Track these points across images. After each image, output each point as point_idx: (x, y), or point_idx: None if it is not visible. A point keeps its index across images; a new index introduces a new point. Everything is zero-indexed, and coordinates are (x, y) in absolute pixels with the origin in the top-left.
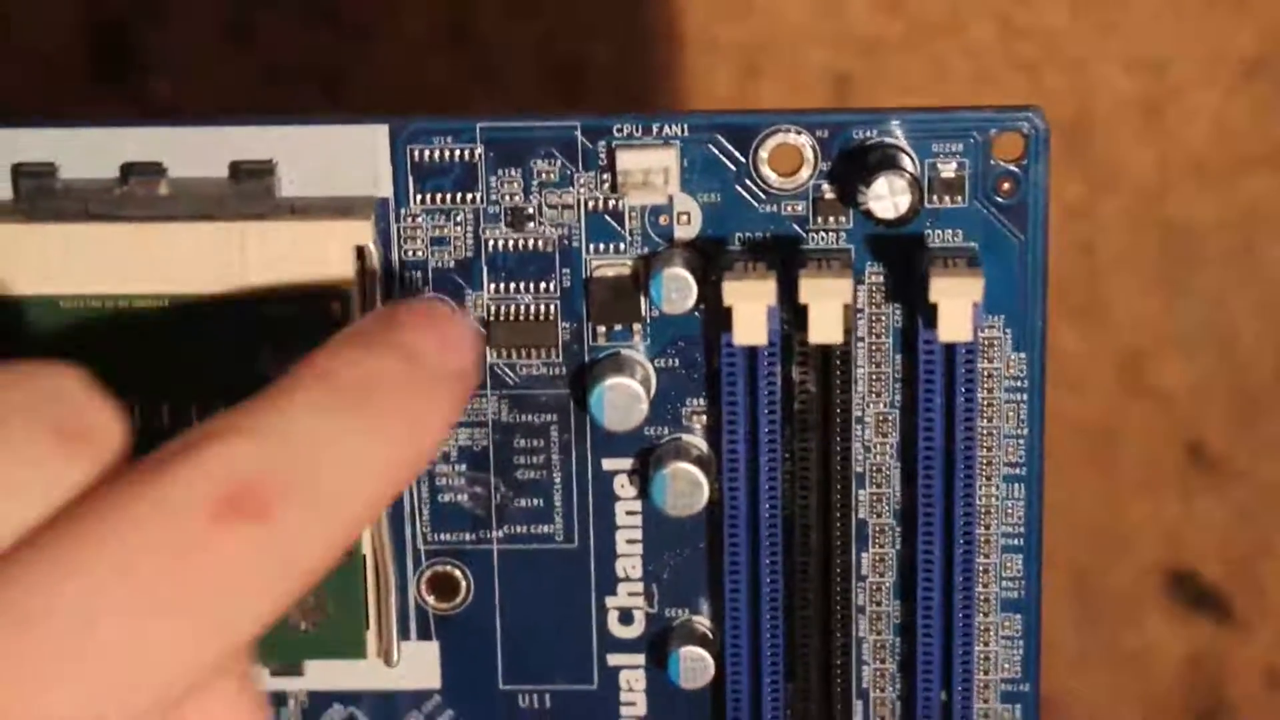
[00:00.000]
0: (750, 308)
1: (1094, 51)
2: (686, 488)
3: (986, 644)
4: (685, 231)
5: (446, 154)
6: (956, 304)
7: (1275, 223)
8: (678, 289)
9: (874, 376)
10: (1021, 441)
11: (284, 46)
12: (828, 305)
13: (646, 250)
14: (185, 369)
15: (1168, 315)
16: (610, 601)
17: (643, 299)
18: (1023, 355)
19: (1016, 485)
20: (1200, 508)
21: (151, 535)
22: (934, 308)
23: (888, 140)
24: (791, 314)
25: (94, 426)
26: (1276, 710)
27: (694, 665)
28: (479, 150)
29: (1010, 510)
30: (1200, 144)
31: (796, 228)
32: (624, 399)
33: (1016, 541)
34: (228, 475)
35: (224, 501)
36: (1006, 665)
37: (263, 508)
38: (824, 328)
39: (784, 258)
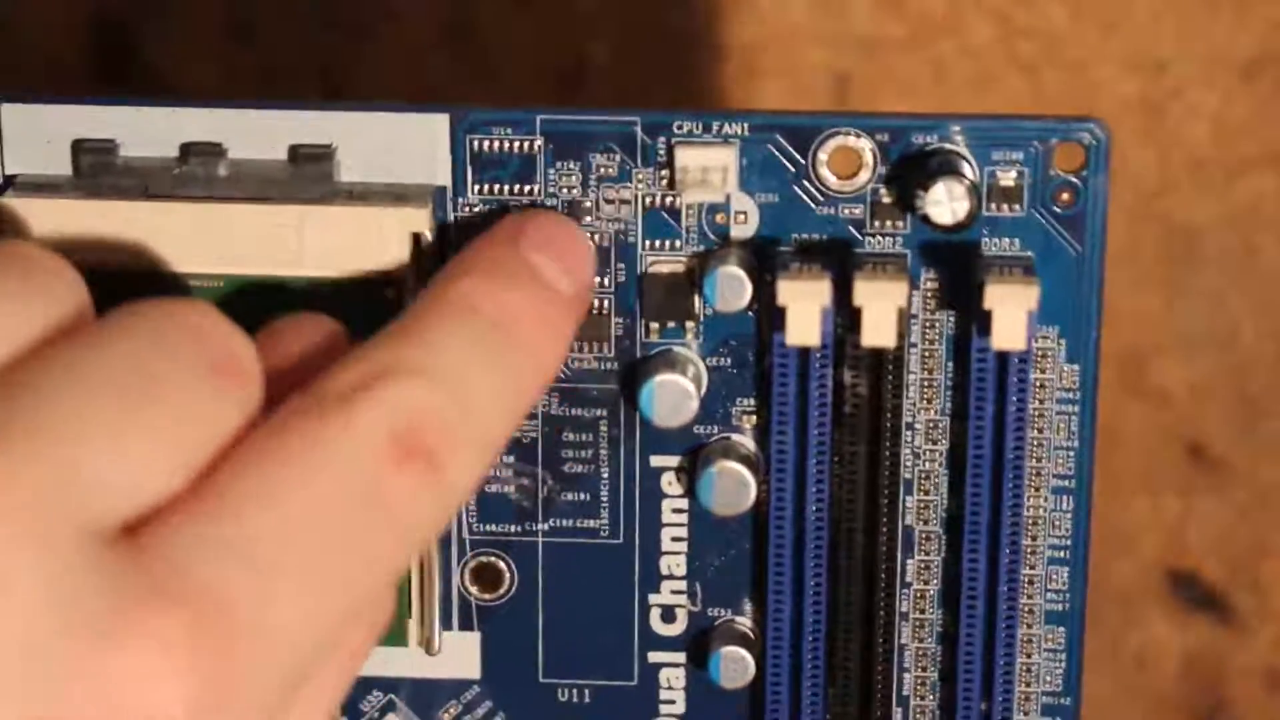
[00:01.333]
0: (804, 308)
1: (1094, 51)
2: (733, 487)
3: (1029, 655)
4: (742, 231)
5: (506, 145)
6: (1011, 312)
7: (1275, 223)
8: (732, 288)
9: (925, 383)
10: (1071, 453)
11: (284, 46)
12: (882, 308)
13: (702, 248)
14: None
15: (1168, 315)
16: (653, 599)
17: (696, 297)
18: (1075, 367)
19: (1065, 497)
20: (1200, 508)
21: (338, 480)
22: (988, 315)
23: (948, 146)
24: (845, 316)
25: (243, 359)
26: (1277, 711)
27: (735, 665)
28: (538, 142)
29: (1057, 522)
30: (1200, 144)
31: (853, 230)
32: (674, 395)
33: (1062, 554)
34: (401, 418)
35: (400, 444)
36: (1048, 678)
37: (433, 450)
38: (878, 331)
39: (840, 260)
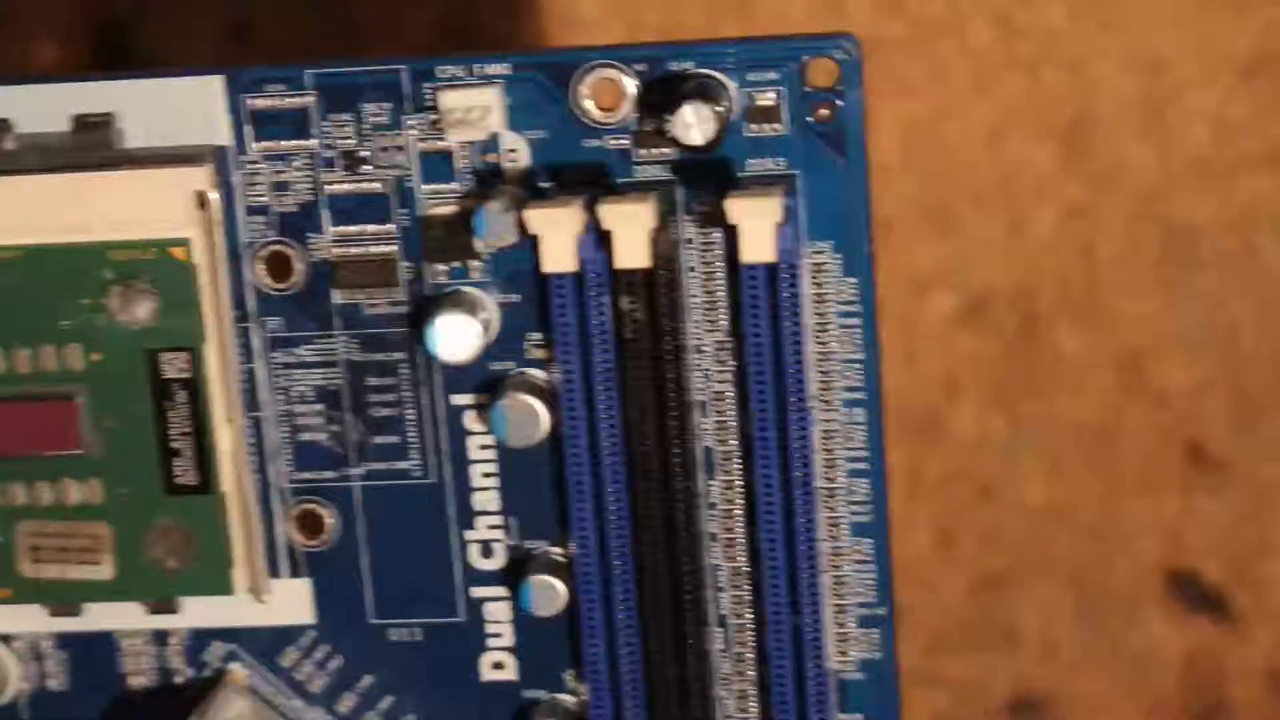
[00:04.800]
0: (557, 235)
1: (1094, 51)
2: (524, 418)
3: (839, 568)
4: (515, 167)
5: (280, 102)
6: (756, 224)
7: (1275, 223)
8: (498, 223)
9: (708, 305)
10: (859, 366)
11: (284, 46)
12: (631, 230)
13: (479, 188)
14: (42, 317)
15: (1168, 315)
16: (470, 535)
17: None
18: (854, 280)
19: (857, 410)
20: (1200, 508)
21: None
22: (734, 230)
23: (704, 71)
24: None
25: None
26: (1277, 711)
27: (545, 593)
28: (311, 97)
29: (852, 434)
30: (1200, 144)
31: (620, 160)
32: (456, 332)
33: (862, 466)
34: None
35: None
36: (861, 589)
37: None
38: (630, 253)
39: (607, 190)
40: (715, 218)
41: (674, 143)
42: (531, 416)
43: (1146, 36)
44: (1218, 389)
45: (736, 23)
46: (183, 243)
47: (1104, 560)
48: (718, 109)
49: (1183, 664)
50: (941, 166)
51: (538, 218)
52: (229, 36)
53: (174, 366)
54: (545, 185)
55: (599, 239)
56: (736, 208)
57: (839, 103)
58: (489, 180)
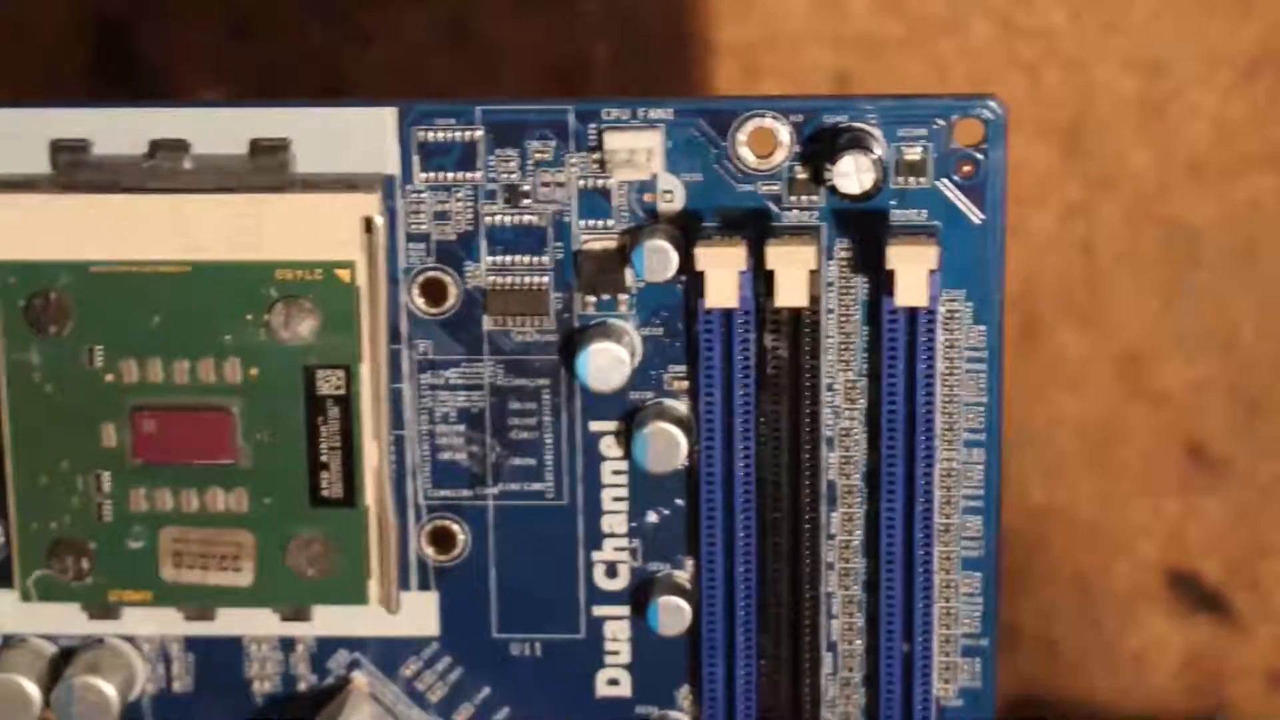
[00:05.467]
0: (722, 273)
1: (1094, 51)
2: (665, 446)
3: (948, 600)
4: (669, 208)
5: (449, 135)
6: (912, 270)
7: (1275, 223)
8: (658, 260)
9: (843, 345)
10: (981, 409)
11: (284, 46)
12: (793, 271)
13: (632, 225)
14: (204, 331)
15: (1168, 315)
16: (597, 555)
17: (628, 270)
18: (982, 328)
19: (976, 450)
20: (1200, 508)
21: None
22: (891, 274)
23: (857, 124)
24: (764, 283)
25: None
26: (1277, 710)
27: (671, 614)
28: (479, 132)
29: (970, 474)
30: (1200, 144)
31: (771, 205)
32: (608, 362)
33: (976, 504)
34: None
35: None
36: (967, 621)
37: None
38: (790, 292)
39: (759, 232)
40: (862, 266)
41: (829, 190)
42: (673, 445)
43: (1146, 36)
44: (1218, 389)
45: (737, 22)
46: (348, 265)
47: (1104, 560)
48: (875, 160)
49: (1183, 664)
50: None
51: (705, 255)
52: (229, 36)
53: (329, 383)
54: (708, 225)
55: (755, 278)
56: (896, 254)
57: (981, 159)
58: (644, 218)
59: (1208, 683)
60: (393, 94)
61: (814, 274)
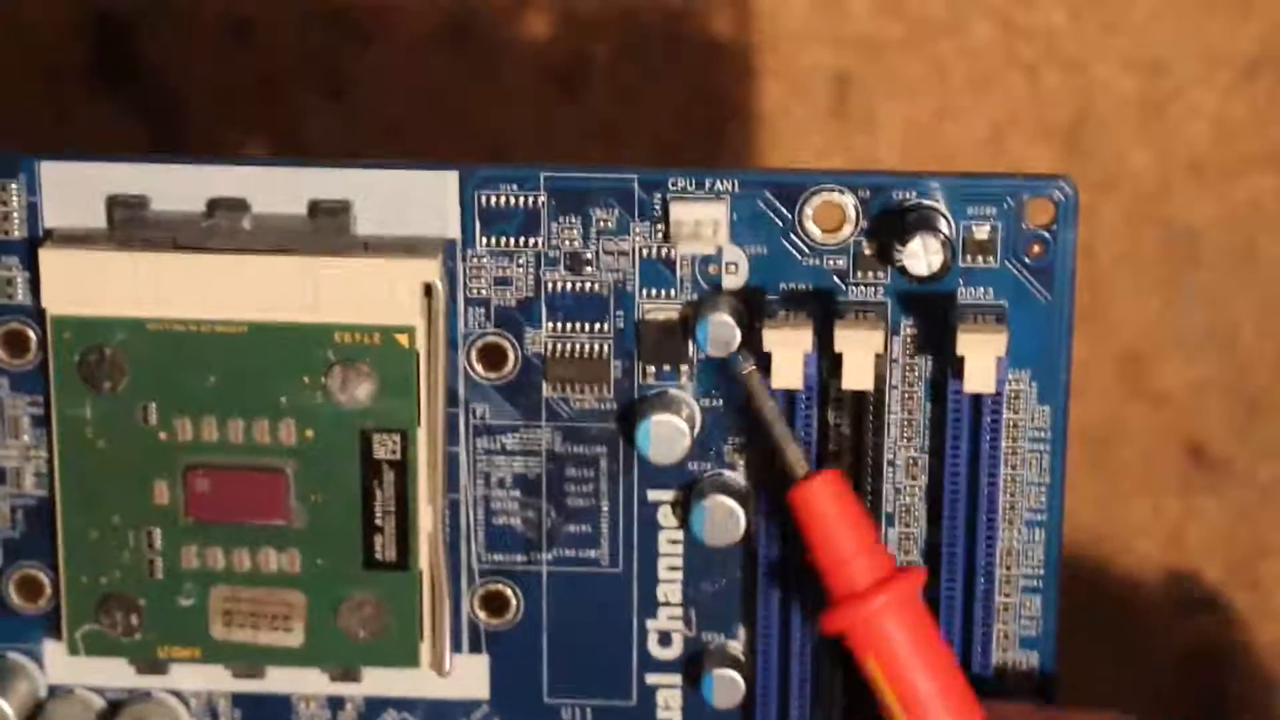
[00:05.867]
0: (788, 354)
1: (1094, 51)
2: (724, 519)
3: (1002, 679)
4: (732, 280)
5: (511, 200)
6: (981, 357)
7: (1275, 223)
8: (722, 334)
9: (905, 423)
10: (1043, 489)
11: (284, 46)
12: (860, 354)
13: (695, 297)
14: (260, 391)
15: (1168, 315)
16: (651, 623)
17: (690, 342)
18: (1046, 408)
19: (1037, 530)
20: (1200, 508)
21: None
22: (961, 360)
23: (925, 202)
24: (828, 361)
25: None
26: (1277, 711)
27: (726, 686)
28: (542, 198)
29: (1030, 553)
30: (1200, 144)
31: (837, 280)
32: (668, 434)
33: (1035, 583)
34: None
35: None
36: (1025, 700)
37: None
38: (856, 375)
39: (824, 308)
40: (927, 345)
41: (898, 270)
42: (733, 517)
43: (1146, 36)
44: (1218, 389)
45: (736, 22)
46: (408, 330)
47: (1104, 560)
48: (944, 241)
49: (1183, 664)
50: (941, 167)
51: (772, 337)
52: (229, 36)
53: (385, 447)
54: (770, 298)
55: (820, 356)
56: (965, 341)
57: (1050, 240)
58: (707, 290)
59: (1208, 683)
60: (393, 94)
61: (879, 356)
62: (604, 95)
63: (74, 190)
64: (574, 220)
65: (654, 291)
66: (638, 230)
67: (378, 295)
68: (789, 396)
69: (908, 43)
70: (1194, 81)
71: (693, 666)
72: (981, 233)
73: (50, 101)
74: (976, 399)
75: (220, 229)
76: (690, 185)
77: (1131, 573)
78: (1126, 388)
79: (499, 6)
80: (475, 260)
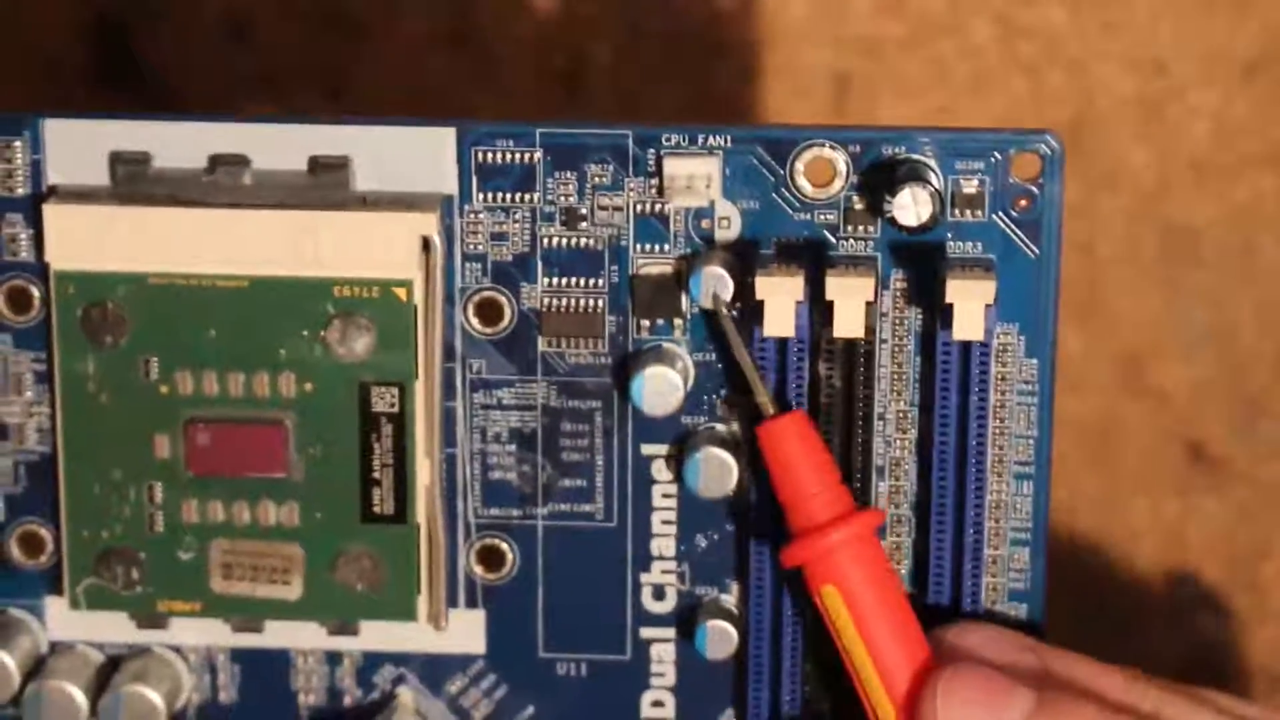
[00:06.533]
0: (780, 301)
1: (1094, 51)
2: (717, 471)
3: None
4: (725, 234)
5: (508, 156)
6: (970, 305)
7: (1275, 223)
8: (715, 286)
9: (895, 375)
10: (1031, 442)
11: (284, 46)
12: (851, 302)
13: (689, 251)
14: (260, 345)
15: (1168, 315)
16: (645, 578)
17: (683, 296)
18: (1034, 361)
19: (1025, 483)
20: (1200, 508)
21: None
22: (950, 308)
23: (915, 156)
24: (820, 312)
25: None
26: (1277, 710)
27: (719, 638)
28: (538, 154)
29: (1019, 506)
30: (1200, 144)
31: (828, 234)
32: (662, 387)
33: (1024, 535)
34: None
35: None
36: None
37: None
38: (847, 323)
39: (815, 261)
40: (917, 297)
41: (888, 222)
42: (725, 470)
43: (1146, 36)
44: (1218, 389)
45: (736, 22)
46: (406, 284)
47: (1104, 560)
48: (933, 193)
49: (1183, 664)
50: None
51: (764, 284)
52: (229, 37)
53: (383, 400)
54: (764, 253)
55: (811, 307)
56: (954, 288)
57: (1037, 194)
58: (701, 244)
59: (1208, 683)
60: (393, 93)
61: (870, 305)
62: (604, 95)
63: (77, 147)
64: (569, 176)
65: (648, 246)
66: (632, 185)
67: (376, 249)
68: (780, 345)
69: (908, 43)
70: (1194, 81)
71: (686, 620)
72: (970, 186)
73: (50, 101)
74: (966, 348)
75: (221, 185)
76: (683, 141)
77: (1131, 573)
78: (1126, 387)
79: (499, 6)
80: (472, 216)
